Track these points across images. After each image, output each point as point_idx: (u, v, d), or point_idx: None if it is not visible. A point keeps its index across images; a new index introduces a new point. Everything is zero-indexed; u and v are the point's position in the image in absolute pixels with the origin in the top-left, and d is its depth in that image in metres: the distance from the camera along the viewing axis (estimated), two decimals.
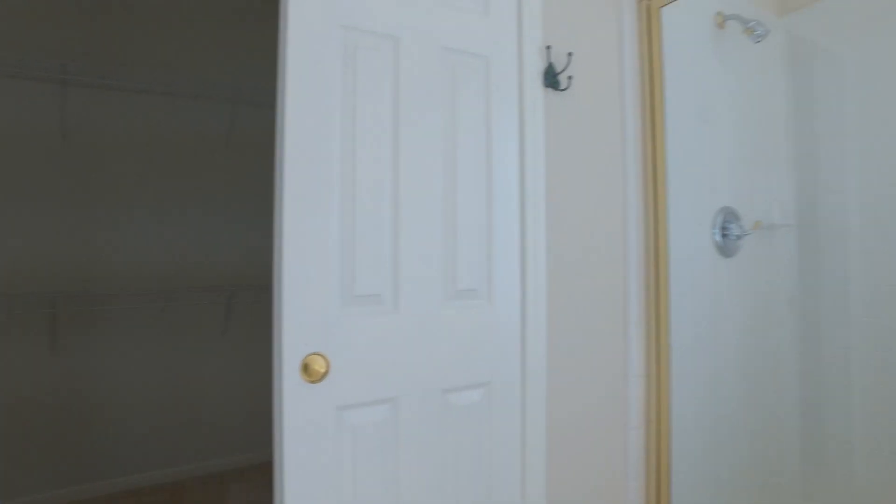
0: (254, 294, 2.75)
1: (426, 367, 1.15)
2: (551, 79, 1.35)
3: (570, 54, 1.39)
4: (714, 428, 1.71)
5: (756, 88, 1.91)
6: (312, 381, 1.02)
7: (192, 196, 2.59)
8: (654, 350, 1.49)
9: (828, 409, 1.92)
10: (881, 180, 1.79)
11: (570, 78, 1.39)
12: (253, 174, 2.76)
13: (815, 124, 1.95)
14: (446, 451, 1.18)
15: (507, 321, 1.27)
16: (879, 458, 1.80)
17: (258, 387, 2.77)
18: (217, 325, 2.65)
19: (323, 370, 1.02)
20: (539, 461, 1.31)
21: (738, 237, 1.71)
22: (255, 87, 2.76)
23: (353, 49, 1.10)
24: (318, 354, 1.03)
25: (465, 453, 1.20)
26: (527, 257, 1.31)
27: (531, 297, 1.30)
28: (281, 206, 1.02)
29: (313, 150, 1.04)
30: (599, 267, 1.45)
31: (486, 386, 1.23)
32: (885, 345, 1.78)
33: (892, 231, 1.77)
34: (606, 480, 1.45)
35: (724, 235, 1.69)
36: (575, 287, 1.40)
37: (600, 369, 1.44)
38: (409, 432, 1.13)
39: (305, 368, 1.01)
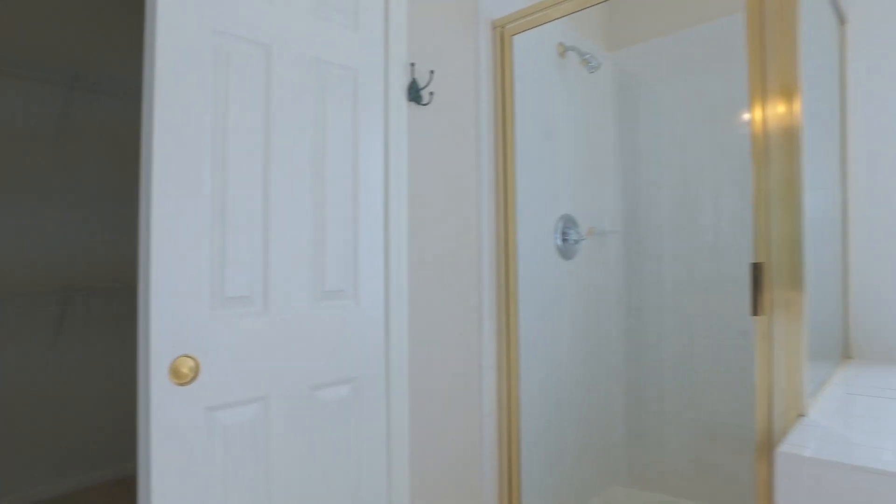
0: (90, 296, 2.55)
1: (296, 365, 1.20)
2: (414, 93, 1.46)
3: (432, 72, 1.51)
4: (555, 408, 1.93)
5: (591, 111, 2.18)
6: (182, 384, 1.03)
7: (14, 187, 2.34)
8: (505, 343, 1.66)
9: (647, 387, 2.24)
10: (685, 192, 2.14)
11: (431, 94, 1.51)
12: (91, 166, 2.55)
13: (637, 144, 2.27)
14: (316, 443, 1.23)
15: (372, 320, 1.36)
16: (684, 427, 2.15)
17: (103, 396, 2.57)
18: (46, 331, 2.42)
19: (193, 372, 1.03)
20: (403, 447, 1.41)
21: (576, 241, 1.95)
22: (97, 73, 2.56)
23: (226, 54, 1.11)
24: (188, 356, 1.03)
25: (335, 445, 1.26)
26: (390, 260, 1.40)
27: (394, 297, 1.40)
28: (148, 207, 1.01)
29: (183, 153, 1.04)
30: (457, 268, 1.59)
31: (353, 381, 1.31)
32: (689, 331, 2.13)
33: (694, 235, 2.12)
34: (465, 461, 1.58)
35: (564, 240, 1.91)
36: (435, 287, 1.52)
37: (458, 362, 1.58)
38: (280, 428, 1.17)
39: (174, 371, 1.02)
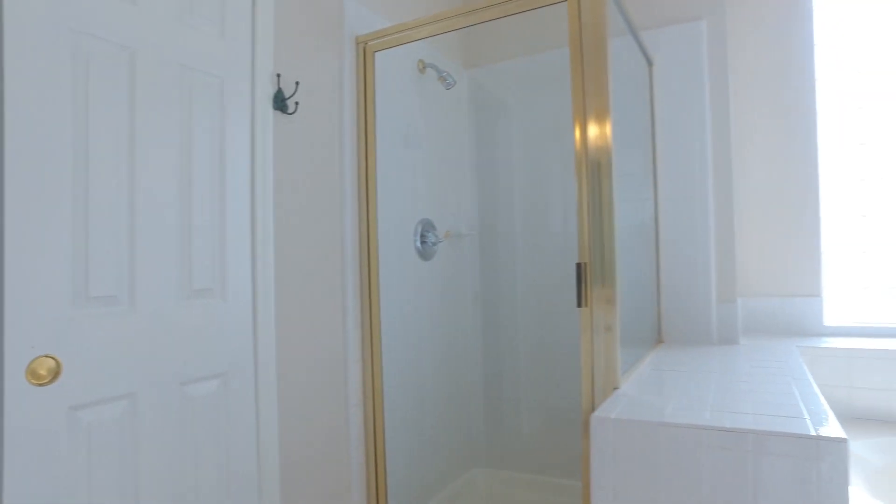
0: None
1: (164, 361, 1.23)
2: (280, 103, 1.53)
3: (297, 83, 1.59)
4: (418, 398, 2.08)
5: (449, 123, 2.37)
6: (41, 384, 1.02)
7: None
8: (369, 338, 1.78)
9: (503, 375, 2.47)
10: (534, 199, 2.40)
11: (297, 103, 1.59)
12: None
13: (493, 154, 2.49)
14: (187, 437, 1.27)
15: (240, 317, 1.41)
16: (536, 409, 2.39)
17: None
18: None
19: (52, 373, 1.03)
20: (272, 437, 1.47)
21: (434, 244, 2.12)
22: None
23: (86, 55, 1.12)
24: (49, 356, 1.03)
25: (205, 437, 1.30)
26: (257, 260, 1.46)
27: (262, 295, 1.46)
28: (1, 207, 1.00)
29: (37, 150, 1.04)
30: (322, 267, 1.68)
31: (222, 375, 1.35)
32: (537, 323, 2.38)
33: (541, 237, 2.38)
34: (333, 449, 1.68)
35: (423, 242, 2.07)
36: (302, 286, 1.60)
37: (325, 356, 1.67)
38: (149, 424, 1.19)
39: (32, 372, 1.01)
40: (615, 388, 1.41)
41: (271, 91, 1.52)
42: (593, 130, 1.44)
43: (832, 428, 1.04)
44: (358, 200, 1.81)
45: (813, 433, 1.02)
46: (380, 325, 1.80)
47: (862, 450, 1.60)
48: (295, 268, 1.59)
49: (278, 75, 1.54)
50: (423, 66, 2.18)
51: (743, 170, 2.29)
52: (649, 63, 2.12)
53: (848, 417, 1.89)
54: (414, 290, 2.07)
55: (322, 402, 1.66)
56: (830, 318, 2.21)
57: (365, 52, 1.83)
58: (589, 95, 1.45)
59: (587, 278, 1.43)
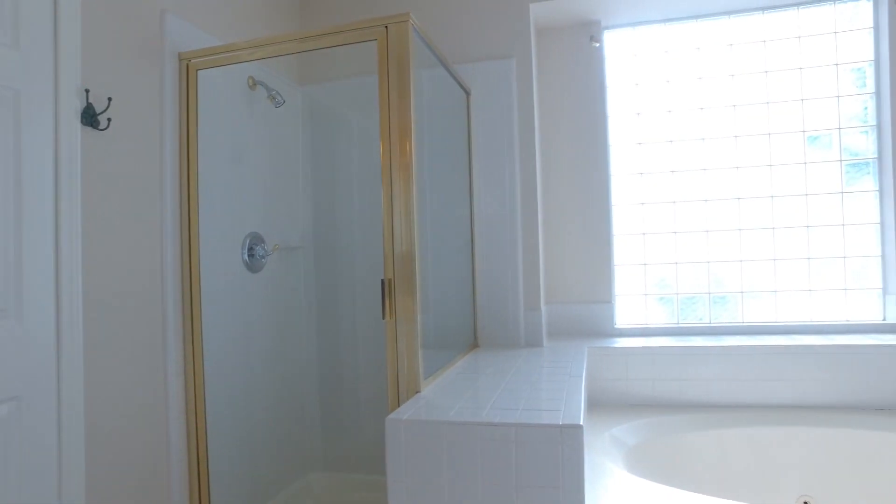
0: None
1: None
2: (90, 118, 1.51)
3: (110, 99, 1.57)
4: (249, 407, 2.11)
5: (281, 138, 2.42)
6: None
7: None
8: (191, 351, 1.79)
9: (339, 381, 2.56)
10: (366, 212, 2.52)
11: (109, 119, 1.57)
12: None
13: (330, 169, 2.58)
14: None
15: (40, 339, 1.38)
16: (368, 412, 2.51)
17: None
18: None
19: None
20: (77, 462, 1.44)
21: (263, 257, 2.16)
22: None
23: None
24: None
25: None
26: (62, 278, 1.43)
27: (66, 317, 1.43)
28: None
29: None
30: (139, 284, 1.67)
31: (15, 399, 1.31)
32: (374, 332, 2.51)
33: (375, 248, 2.51)
34: (152, 466, 1.67)
35: (251, 255, 2.11)
36: (116, 304, 1.58)
37: (142, 372, 1.66)
38: None
39: None
40: (417, 392, 1.57)
41: (79, 106, 1.50)
42: (397, 151, 1.59)
43: (574, 417, 1.28)
44: (180, 215, 1.82)
45: (558, 423, 1.24)
46: (201, 337, 1.81)
47: (621, 433, 1.92)
48: (109, 286, 1.57)
49: (87, 90, 1.52)
50: (253, 83, 2.22)
51: (549, 192, 2.60)
52: (466, 93, 2.34)
53: (624, 404, 2.23)
54: (242, 301, 2.10)
55: (140, 417, 1.65)
56: (620, 321, 2.58)
57: (188, 70, 1.84)
58: (394, 118, 1.61)
59: (392, 292, 1.58)
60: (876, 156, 2.44)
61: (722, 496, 1.98)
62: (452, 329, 2.17)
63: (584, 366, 1.88)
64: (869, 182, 2.45)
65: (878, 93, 2.43)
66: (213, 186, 1.95)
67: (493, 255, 2.31)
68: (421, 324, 1.61)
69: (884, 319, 2.40)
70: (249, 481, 2.11)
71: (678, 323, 2.53)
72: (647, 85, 2.61)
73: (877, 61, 2.43)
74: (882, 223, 2.42)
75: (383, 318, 1.58)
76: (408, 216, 1.59)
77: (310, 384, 2.56)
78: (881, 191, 2.42)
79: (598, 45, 2.57)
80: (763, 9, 2.53)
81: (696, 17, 2.57)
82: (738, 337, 2.35)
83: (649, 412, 2.13)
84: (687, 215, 2.55)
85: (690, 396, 2.21)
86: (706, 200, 2.54)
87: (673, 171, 2.57)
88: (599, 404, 2.25)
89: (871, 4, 2.46)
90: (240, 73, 2.15)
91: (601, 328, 2.54)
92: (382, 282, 1.58)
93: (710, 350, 2.20)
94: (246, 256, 2.10)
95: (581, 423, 1.24)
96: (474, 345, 2.30)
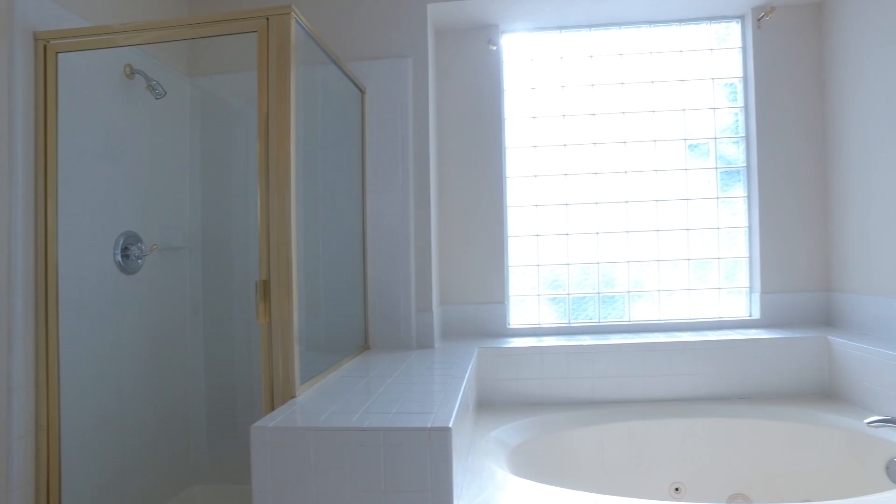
0: None
1: None
2: None
3: None
4: (119, 420, 1.96)
5: (166, 131, 2.29)
6: None
7: None
8: (44, 362, 1.65)
9: (227, 389, 2.44)
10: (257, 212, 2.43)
11: None
12: None
13: (221, 164, 2.46)
14: None
15: None
16: (256, 420, 2.41)
17: None
18: None
19: None
20: None
21: (139, 258, 2.03)
22: None
23: None
24: None
25: None
26: None
27: None
28: None
29: None
30: None
31: None
32: (253, 331, 2.41)
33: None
34: None
35: (125, 256, 1.98)
36: None
37: None
38: None
39: None
40: (293, 397, 1.52)
41: None
42: (275, 148, 1.54)
43: (444, 420, 1.27)
44: (35, 213, 1.67)
45: (427, 426, 1.24)
46: (58, 344, 1.67)
47: (505, 433, 1.95)
48: None
49: None
50: (131, 72, 2.08)
51: (445, 193, 2.61)
52: (361, 91, 2.30)
53: (514, 404, 2.27)
54: (114, 305, 1.96)
55: None
56: (514, 321, 2.63)
57: (46, 52, 1.69)
58: (273, 114, 1.55)
59: (267, 294, 1.52)
60: (745, 164, 2.62)
61: (601, 489, 2.05)
62: (341, 332, 2.12)
63: (470, 366, 1.89)
64: (740, 189, 2.63)
65: (746, 107, 2.61)
66: (78, 181, 1.80)
67: (385, 256, 2.29)
68: (299, 326, 1.56)
69: (750, 315, 2.58)
70: (119, 500, 1.97)
71: (569, 322, 2.61)
72: (543, 89, 2.68)
73: (745, 78, 2.62)
74: (749, 227, 2.61)
75: (257, 319, 1.52)
76: (284, 215, 1.54)
77: (193, 392, 2.43)
78: (749, 197, 2.61)
79: (495, 48, 2.61)
80: (650, 22, 2.65)
81: (590, 26, 2.67)
82: (623, 335, 2.45)
83: (537, 411, 2.18)
84: (579, 217, 2.64)
85: (577, 394, 2.28)
86: (597, 203, 2.63)
87: (566, 174, 2.65)
88: (490, 405, 2.28)
89: (739, 26, 2.64)
90: (115, 60, 2.00)
91: (495, 329, 2.57)
92: (256, 284, 1.52)
93: (596, 348, 2.28)
94: (119, 257, 1.96)
95: (450, 425, 1.24)
96: (365, 347, 2.27)
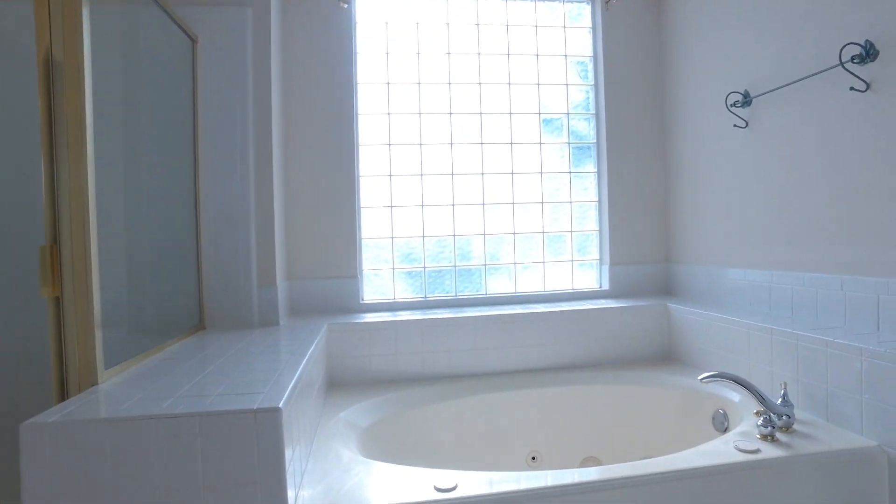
0: None
1: None
2: None
3: None
4: None
5: None
6: None
7: None
8: None
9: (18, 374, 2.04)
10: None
11: None
12: None
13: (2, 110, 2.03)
14: None
15: None
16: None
17: None
18: None
19: None
20: None
21: None
22: None
23: None
24: None
25: None
26: None
27: None
28: None
29: None
30: None
31: None
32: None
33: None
34: None
35: None
36: None
37: None
38: None
39: None
40: (94, 385, 1.26)
41: None
42: (62, 96, 1.25)
43: (274, 400, 1.11)
44: None
45: (253, 407, 1.07)
46: None
47: (357, 413, 1.82)
48: None
49: None
50: None
51: (292, 161, 2.40)
52: (192, 39, 2.02)
53: (367, 382, 2.15)
54: None
55: None
56: (367, 296, 2.49)
57: None
58: (57, 54, 1.26)
59: (55, 263, 1.25)
60: (595, 141, 2.70)
61: (458, 465, 2.00)
62: (167, 310, 1.85)
63: (315, 343, 1.73)
64: (591, 164, 2.70)
65: (596, 85, 2.69)
66: None
67: (221, 226, 2.03)
68: (105, 303, 1.30)
69: (600, 287, 2.68)
70: None
71: (425, 297, 2.53)
72: (398, 56, 2.55)
73: (595, 57, 2.69)
74: (599, 201, 2.69)
75: (40, 292, 1.24)
76: (79, 174, 1.26)
77: None
78: (599, 172, 2.69)
79: (346, 6, 2.43)
80: None
81: None
82: (480, 308, 2.41)
83: (391, 388, 2.07)
84: (434, 189, 2.55)
85: (433, 369, 2.21)
86: (453, 174, 2.57)
87: (421, 144, 2.55)
88: (341, 384, 2.14)
89: (590, 7, 2.70)
90: None
91: (348, 304, 2.42)
92: (42, 250, 1.24)
93: (452, 322, 2.22)
94: None
95: (280, 405, 1.08)
96: (199, 327, 2.01)
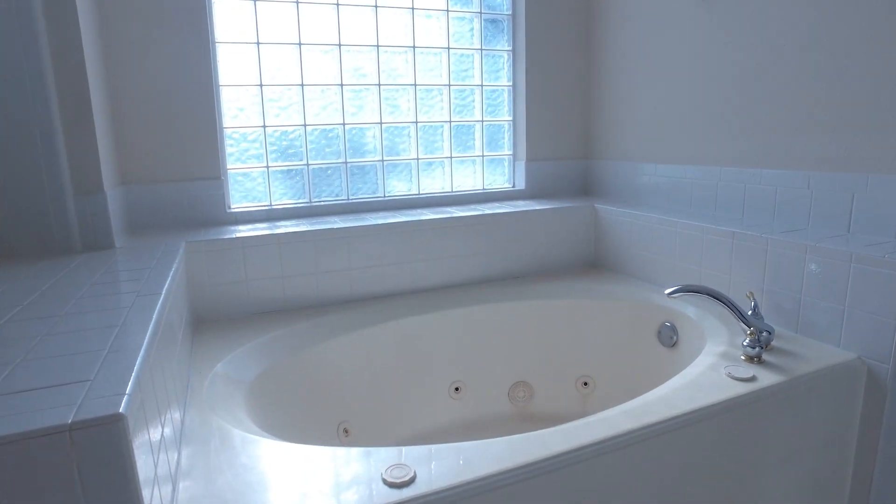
0: None
1: None
2: None
3: None
4: None
5: None
6: None
7: None
8: None
9: None
10: None
11: None
12: None
13: None
14: None
15: None
16: None
17: None
18: None
19: None
20: None
21: None
22: None
23: None
24: None
25: None
26: None
27: None
28: None
29: None
30: None
31: None
32: None
33: None
34: None
35: None
36: None
37: None
38: None
39: None
40: None
41: None
42: None
43: (109, 399, 0.62)
44: None
45: (66, 421, 0.57)
46: None
47: (233, 366, 1.35)
48: None
49: None
50: None
51: (115, 11, 1.68)
52: None
53: (246, 315, 1.66)
54: None
55: None
56: (236, 203, 1.93)
57: None
58: None
59: None
60: (510, 13, 2.25)
61: (373, 407, 1.64)
62: None
63: (172, 273, 1.20)
64: (505, 42, 2.26)
65: None
66: None
67: None
68: None
69: (514, 186, 2.34)
70: None
71: (310, 201, 2.03)
72: None
73: None
74: (514, 86, 2.29)
75: None
76: None
77: None
78: (514, 51, 2.27)
79: None
80: None
81: None
82: (380, 215, 1.97)
83: (279, 322, 1.61)
84: (317, 65, 1.98)
85: (331, 292, 1.77)
86: (341, 45, 2.00)
87: (298, 2, 1.93)
88: (212, 322, 1.63)
89: None
90: None
91: (211, 214, 1.85)
92: None
93: (350, 233, 1.77)
94: None
95: (123, 409, 0.60)
96: None
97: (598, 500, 0.98)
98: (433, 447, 0.95)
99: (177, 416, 0.99)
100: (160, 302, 0.98)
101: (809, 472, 1.28)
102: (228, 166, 1.90)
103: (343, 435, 1.53)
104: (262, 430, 1.07)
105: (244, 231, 1.71)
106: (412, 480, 0.85)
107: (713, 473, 1.12)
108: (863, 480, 1.34)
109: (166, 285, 1.09)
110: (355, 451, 0.94)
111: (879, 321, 1.25)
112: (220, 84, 1.85)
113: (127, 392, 0.63)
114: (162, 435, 0.81)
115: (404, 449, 0.94)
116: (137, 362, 0.72)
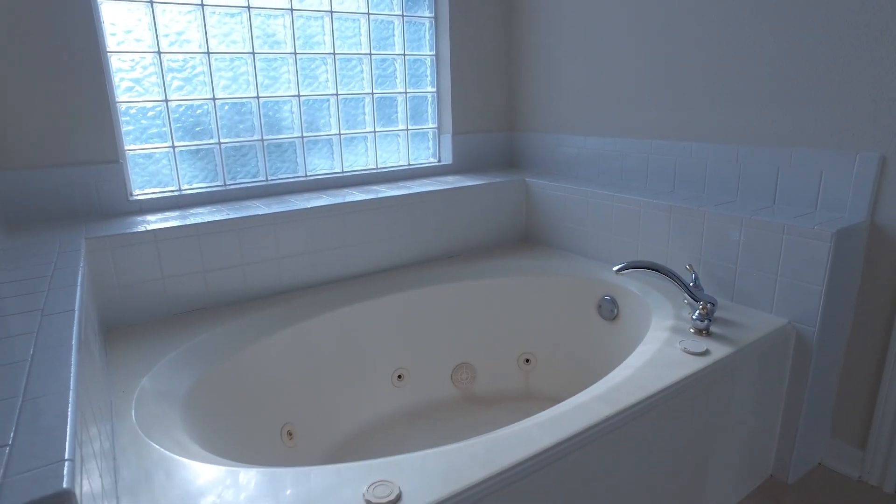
0: None
1: None
2: None
3: None
4: None
5: None
6: None
7: None
8: None
9: None
10: None
11: None
12: None
13: None
14: None
15: None
16: None
17: None
18: None
19: None
20: None
21: None
22: None
23: None
24: None
25: None
26: None
27: None
28: None
29: None
30: None
31: None
32: None
33: None
34: None
35: None
36: None
37: None
38: None
39: None
40: None
41: None
42: None
43: (48, 476, 0.49)
44: None
45: None
46: None
47: (160, 379, 1.19)
48: None
49: None
50: None
51: None
52: None
53: (157, 317, 1.48)
54: None
55: None
56: (138, 189, 1.71)
57: None
58: None
59: None
60: None
61: (316, 401, 1.53)
62: None
63: (80, 281, 1.02)
64: (426, 8, 2.15)
65: None
66: None
67: None
68: None
69: (440, 161, 2.26)
70: None
71: (225, 184, 1.84)
72: None
73: None
74: (437, 55, 2.19)
75: None
76: None
77: None
78: (437, 19, 2.16)
79: None
80: None
81: None
82: (302, 197, 1.83)
83: (205, 322, 1.45)
84: (223, 29, 1.77)
85: (260, 284, 1.62)
86: (250, 7, 1.80)
87: None
88: (125, 328, 1.44)
89: None
90: None
91: (108, 203, 1.62)
92: None
93: (276, 219, 1.62)
94: None
95: (67, 484, 0.47)
96: None
97: (582, 482, 0.96)
98: (411, 456, 0.88)
99: (109, 453, 0.84)
100: (75, 321, 0.82)
101: (750, 431, 1.35)
102: (126, 147, 1.67)
103: (287, 438, 1.42)
104: (209, 452, 0.95)
105: (155, 222, 1.51)
106: (398, 499, 0.78)
107: (675, 448, 1.14)
108: (789, 431, 1.43)
109: (77, 297, 0.92)
110: (330, 469, 0.85)
111: (807, 288, 1.32)
112: (108, 50, 1.60)
113: (66, 457, 0.50)
114: (102, 487, 0.67)
115: (380, 461, 0.86)
116: (70, 410, 0.58)
